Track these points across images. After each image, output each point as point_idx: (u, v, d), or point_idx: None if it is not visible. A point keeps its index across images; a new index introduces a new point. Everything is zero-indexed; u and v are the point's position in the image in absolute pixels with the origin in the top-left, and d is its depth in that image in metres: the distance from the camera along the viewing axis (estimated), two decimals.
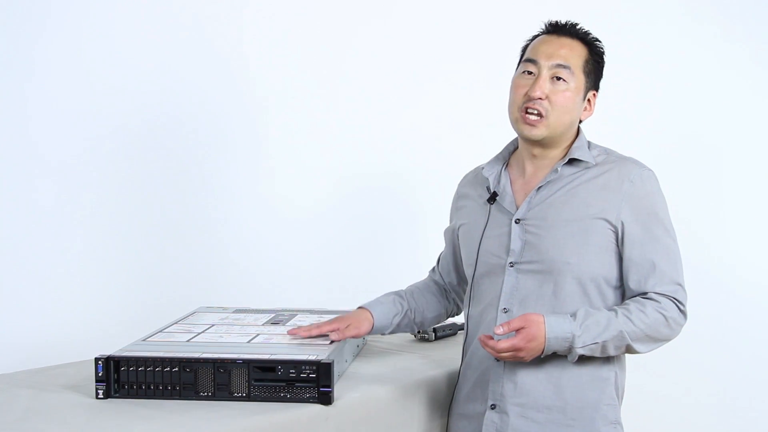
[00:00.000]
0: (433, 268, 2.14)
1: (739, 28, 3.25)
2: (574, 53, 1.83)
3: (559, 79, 1.81)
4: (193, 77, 2.78)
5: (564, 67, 1.81)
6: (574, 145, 1.86)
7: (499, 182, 1.90)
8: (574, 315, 1.73)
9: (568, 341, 1.71)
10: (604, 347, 1.73)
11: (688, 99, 3.24)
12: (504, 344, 1.71)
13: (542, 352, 1.73)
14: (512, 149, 1.96)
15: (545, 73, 1.81)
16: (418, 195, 3.07)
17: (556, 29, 1.86)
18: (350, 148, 3.02)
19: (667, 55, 3.24)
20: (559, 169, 1.83)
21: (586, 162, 1.83)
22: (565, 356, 1.76)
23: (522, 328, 1.71)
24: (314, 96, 2.98)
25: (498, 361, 1.81)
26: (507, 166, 1.93)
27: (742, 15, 3.25)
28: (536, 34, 1.90)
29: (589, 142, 1.88)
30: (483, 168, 1.95)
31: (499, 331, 1.70)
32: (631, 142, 2.40)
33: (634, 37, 3.20)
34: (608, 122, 2.74)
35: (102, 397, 1.67)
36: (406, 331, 2.06)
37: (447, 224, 2.09)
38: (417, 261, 2.35)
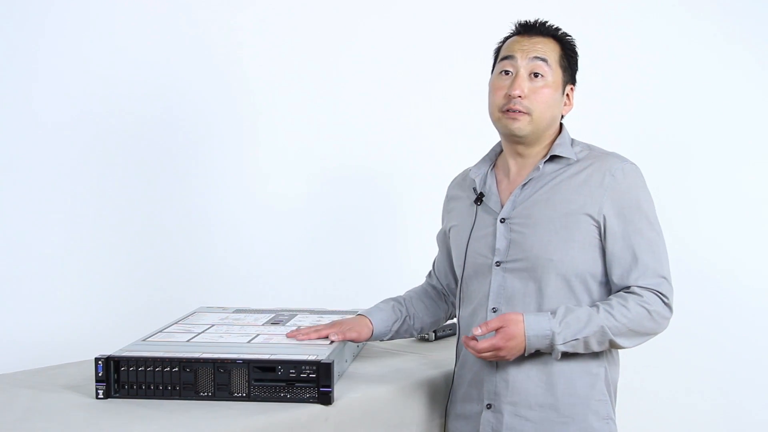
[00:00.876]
0: (430, 273, 2.14)
1: (736, 26, 3.25)
2: (548, 48, 1.84)
3: (537, 75, 1.81)
4: (190, 79, 2.79)
5: (542, 59, 1.81)
6: (556, 142, 1.85)
7: (485, 183, 1.91)
8: (554, 312, 1.73)
9: (548, 338, 1.71)
10: (586, 343, 1.73)
11: (683, 98, 3.24)
12: (483, 344, 1.72)
13: (524, 351, 1.73)
14: (499, 150, 1.96)
15: (523, 72, 1.81)
16: (417, 195, 3.06)
17: (526, 29, 1.86)
18: (347, 148, 3.02)
19: (663, 53, 3.24)
20: (541, 166, 1.83)
21: (568, 158, 1.83)
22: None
23: (501, 327, 1.71)
24: (312, 97, 2.98)
25: (489, 360, 1.81)
26: (494, 167, 1.94)
27: (740, 13, 3.25)
28: (507, 35, 1.90)
29: (572, 139, 1.88)
30: (471, 170, 1.95)
31: (478, 332, 1.71)
32: (626, 141, 2.40)
33: (630, 35, 3.20)
34: (603, 121, 2.74)
35: (102, 397, 1.67)
36: (405, 337, 2.06)
37: (440, 225, 2.09)
38: (416, 259, 2.35)
